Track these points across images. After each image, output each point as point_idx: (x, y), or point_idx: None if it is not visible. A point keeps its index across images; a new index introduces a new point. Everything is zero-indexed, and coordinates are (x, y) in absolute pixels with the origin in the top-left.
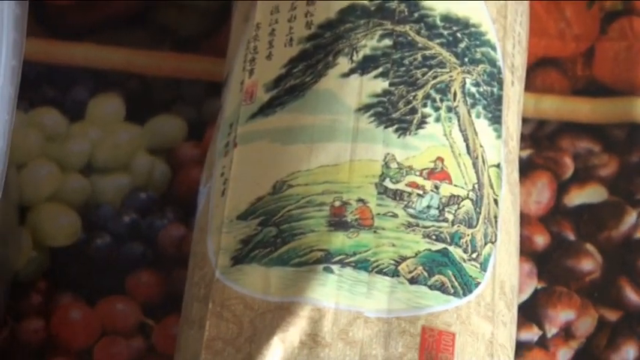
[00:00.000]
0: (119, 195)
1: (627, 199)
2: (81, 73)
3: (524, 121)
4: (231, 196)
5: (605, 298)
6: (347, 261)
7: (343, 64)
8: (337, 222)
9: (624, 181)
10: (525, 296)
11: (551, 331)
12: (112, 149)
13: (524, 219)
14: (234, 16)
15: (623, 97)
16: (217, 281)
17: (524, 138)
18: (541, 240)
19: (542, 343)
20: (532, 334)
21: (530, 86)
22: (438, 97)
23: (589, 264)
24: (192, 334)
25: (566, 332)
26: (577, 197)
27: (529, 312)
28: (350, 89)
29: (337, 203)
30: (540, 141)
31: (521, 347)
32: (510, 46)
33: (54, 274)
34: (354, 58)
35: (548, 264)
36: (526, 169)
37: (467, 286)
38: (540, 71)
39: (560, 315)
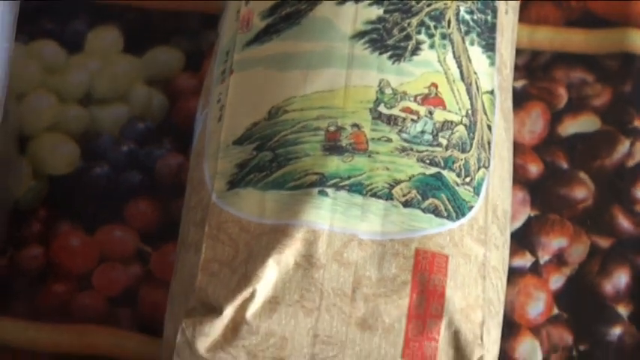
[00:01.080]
0: (117, 125)
1: (620, 129)
2: (80, 5)
3: (519, 52)
4: (227, 122)
5: (597, 225)
6: (341, 184)
7: None
8: (332, 146)
9: (617, 111)
10: (519, 224)
11: (544, 258)
12: (111, 80)
13: (519, 148)
14: None
15: (616, 27)
16: (214, 205)
17: (518, 68)
18: (535, 169)
19: (535, 269)
20: (525, 260)
21: (524, 18)
22: (432, 24)
23: (582, 192)
24: (188, 258)
25: (559, 259)
26: (570, 127)
27: (522, 239)
28: (345, 16)
29: (332, 128)
30: (534, 71)
31: (514, 273)
32: None
33: (53, 203)
34: None
35: (541, 192)
36: (520, 99)
37: (460, 209)
38: (535, 3)
39: (553, 242)
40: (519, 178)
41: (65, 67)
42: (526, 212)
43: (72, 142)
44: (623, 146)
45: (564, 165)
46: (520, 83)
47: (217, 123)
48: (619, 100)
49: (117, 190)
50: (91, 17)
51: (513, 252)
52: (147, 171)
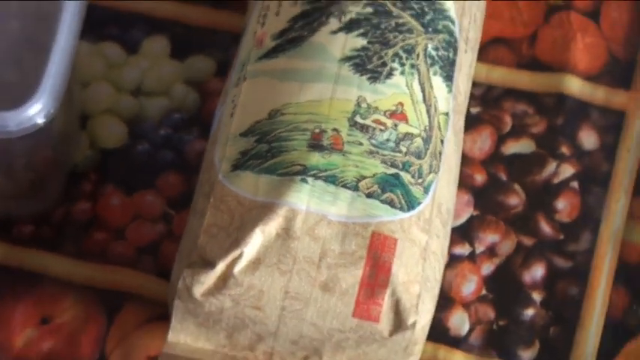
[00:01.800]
0: (159, 114)
1: (550, 152)
2: (139, 18)
3: (478, 85)
4: (237, 118)
5: (524, 227)
6: (319, 175)
7: (333, 23)
8: (315, 144)
9: (549, 138)
10: (462, 220)
11: (479, 249)
12: (157, 78)
13: (470, 161)
14: None
15: (555, 72)
16: (219, 182)
17: (475, 98)
18: (480, 178)
19: (472, 257)
20: (464, 249)
21: (484, 58)
22: (404, 55)
23: (515, 200)
24: (195, 222)
25: (491, 251)
26: (512, 147)
27: (464, 233)
28: (336, 43)
29: (317, 130)
30: (488, 102)
31: (454, 259)
32: (467, 22)
33: (103, 169)
34: (342, 19)
35: (483, 197)
36: (474, 122)
37: (411, 203)
38: (493, 47)
39: (488, 237)
40: (467, 184)
41: (123, 64)
42: (469, 211)
43: (122, 124)
44: (551, 166)
45: (504, 177)
46: (476, 110)
47: (230, 118)
48: (552, 130)
49: (153, 164)
50: (147, 27)
51: (455, 242)
52: (177, 151)
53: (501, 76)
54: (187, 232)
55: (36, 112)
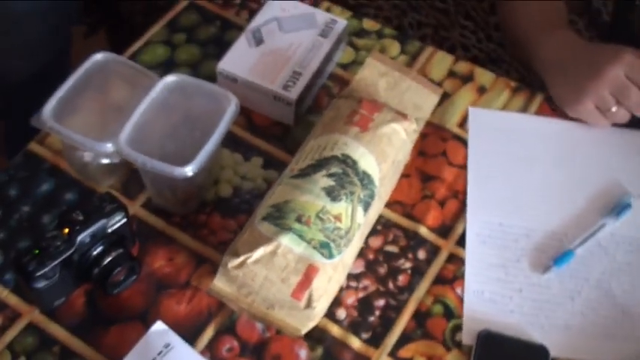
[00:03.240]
0: (247, 189)
1: (404, 255)
2: (254, 149)
3: (381, 217)
4: (271, 198)
5: (381, 282)
6: (295, 232)
7: (323, 172)
8: (298, 219)
9: (408, 249)
10: (356, 271)
11: (358, 286)
12: (253, 174)
13: (369, 249)
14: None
15: (416, 222)
16: (254, 223)
17: (381, 222)
18: (371, 256)
19: (355, 288)
20: (353, 284)
21: (387, 206)
22: (349, 194)
23: (381, 269)
24: (240, 234)
25: (358, 287)
26: (387, 247)
27: (356, 277)
28: (321, 181)
29: (301, 213)
30: (384, 225)
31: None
32: (382, 189)
33: (216, 205)
34: (328, 171)
35: (371, 264)
36: (376, 233)
37: (331, 256)
38: (393, 205)
39: (364, 282)
40: (364, 257)
41: (241, 164)
42: (361, 268)
43: (231, 189)
44: (402, 262)
45: (381, 259)
46: (378, 227)
47: (268, 198)
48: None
49: (235, 209)
50: (250, 151)
51: (349, 279)
52: (250, 207)
53: (394, 217)
54: (237, 236)
55: (189, 169)
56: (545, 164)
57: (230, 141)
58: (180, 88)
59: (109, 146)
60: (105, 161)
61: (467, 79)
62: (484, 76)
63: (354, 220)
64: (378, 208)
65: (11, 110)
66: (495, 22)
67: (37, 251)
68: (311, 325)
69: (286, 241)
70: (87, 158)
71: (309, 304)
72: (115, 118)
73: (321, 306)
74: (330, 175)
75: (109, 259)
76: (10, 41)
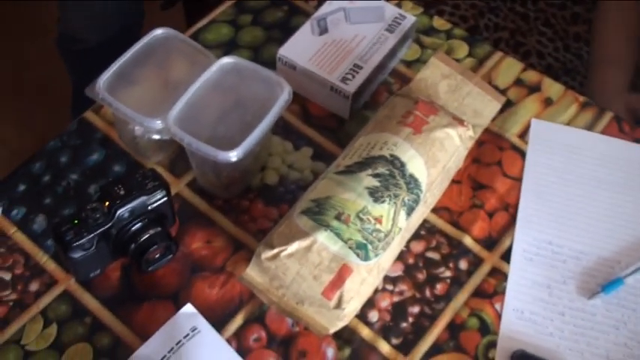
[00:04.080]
0: (294, 178)
1: (445, 263)
2: (304, 137)
3: (427, 222)
4: (313, 192)
5: (419, 289)
6: (333, 230)
7: (369, 171)
8: (337, 216)
9: (452, 256)
10: (394, 274)
11: (395, 290)
12: (301, 164)
13: (410, 252)
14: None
15: (461, 231)
16: (293, 216)
17: (425, 227)
18: (411, 260)
19: (391, 291)
20: (389, 287)
21: (434, 212)
22: (393, 197)
23: (420, 276)
24: (277, 226)
25: (393, 291)
26: (429, 253)
27: (392, 280)
28: (366, 180)
29: (341, 211)
30: (428, 230)
31: (382, 290)
32: (428, 194)
33: (261, 191)
34: (373, 171)
35: (410, 269)
36: (419, 237)
37: (367, 258)
38: (441, 210)
39: (400, 287)
40: (404, 260)
41: (290, 153)
42: (399, 272)
43: (277, 176)
44: (445, 270)
45: (421, 265)
46: (421, 232)
47: (310, 191)
48: (447, 255)
49: (280, 198)
50: (303, 142)
51: (386, 282)
52: (293, 197)
53: (440, 223)
54: (274, 227)
55: (233, 154)
56: (605, 186)
57: (282, 128)
58: (236, 71)
59: (158, 123)
60: (155, 137)
61: (534, 89)
62: (552, 87)
63: (396, 223)
64: (422, 213)
65: (81, 80)
66: (575, 32)
67: (76, 221)
68: (340, 325)
69: (322, 237)
70: (137, 132)
71: (339, 305)
72: (170, 95)
73: (352, 307)
74: (376, 175)
75: (147, 236)
76: (83, 11)
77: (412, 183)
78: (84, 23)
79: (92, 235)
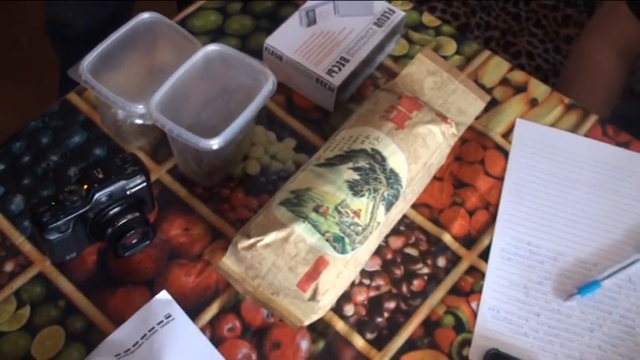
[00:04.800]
0: (274, 170)
1: (423, 260)
2: (288, 128)
3: (406, 217)
4: (293, 183)
5: (396, 285)
6: (310, 222)
7: (349, 164)
8: (316, 209)
9: (427, 254)
10: (372, 269)
11: (371, 284)
12: (283, 155)
13: (388, 247)
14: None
15: (440, 228)
16: (272, 206)
17: (401, 222)
18: (389, 256)
19: (367, 285)
20: (365, 280)
21: (415, 207)
22: (372, 191)
23: (397, 271)
24: (255, 216)
25: (370, 286)
26: (407, 249)
27: (369, 275)
28: (346, 173)
29: (320, 203)
30: (408, 226)
31: (357, 285)
32: (409, 190)
33: (242, 180)
34: (354, 164)
35: (387, 264)
36: (398, 233)
37: (343, 251)
38: (421, 206)
39: (377, 281)
40: (381, 255)
41: (273, 143)
42: (377, 267)
43: (259, 166)
44: (419, 265)
45: (398, 260)
46: (400, 227)
47: (290, 182)
48: (428, 251)
49: (260, 188)
50: (287, 133)
51: (363, 276)
52: (274, 187)
53: (419, 220)
54: (253, 217)
55: (215, 142)
56: (586, 189)
57: (266, 118)
58: (222, 59)
59: (141, 107)
60: (137, 122)
61: (520, 89)
62: (538, 88)
63: (374, 217)
64: (401, 208)
65: (69, 63)
66: (566, 34)
67: (53, 203)
68: (314, 317)
69: (300, 229)
70: (119, 116)
71: (313, 297)
72: (154, 80)
73: (327, 300)
74: (356, 169)
75: (124, 221)
76: None
77: (392, 178)
78: (71, 9)
79: (69, 217)
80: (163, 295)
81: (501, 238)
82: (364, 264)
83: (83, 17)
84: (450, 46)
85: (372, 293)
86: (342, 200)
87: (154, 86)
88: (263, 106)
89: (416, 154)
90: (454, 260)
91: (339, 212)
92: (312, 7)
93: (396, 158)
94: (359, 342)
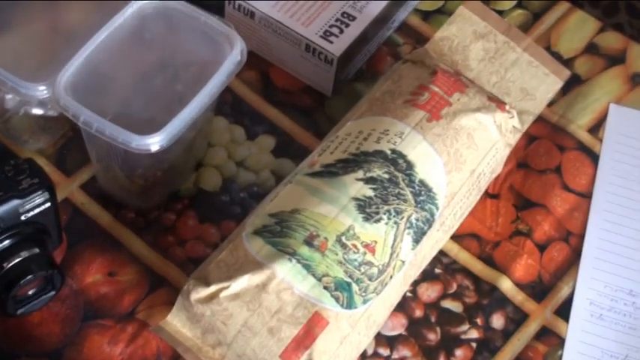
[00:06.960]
0: (245, 183)
1: (469, 318)
2: (266, 121)
3: (446, 256)
4: (272, 203)
5: (430, 355)
6: (301, 261)
7: (359, 174)
8: (308, 241)
9: (474, 309)
10: (394, 333)
11: (394, 356)
12: (256, 162)
13: (417, 299)
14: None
15: (498, 271)
16: (241, 237)
17: (441, 263)
18: (418, 313)
19: (388, 358)
20: (385, 351)
21: (458, 241)
22: (394, 214)
23: (432, 336)
24: (216, 252)
25: None
26: (447, 304)
27: (390, 341)
28: (355, 187)
29: (314, 233)
30: (448, 269)
31: (377, 355)
32: (448, 213)
33: (193, 200)
34: (366, 174)
35: (414, 325)
36: (433, 277)
37: (350, 305)
38: (468, 238)
39: (403, 351)
40: (407, 312)
41: (241, 144)
42: (401, 330)
43: (220, 179)
44: (465, 326)
45: (433, 319)
46: (438, 271)
47: (269, 202)
48: (478, 305)
49: (225, 211)
50: (267, 128)
51: (381, 345)
52: (244, 211)
53: (464, 258)
54: (212, 254)
55: (154, 141)
56: None
57: (230, 106)
58: (163, 19)
59: (42, 89)
60: (36, 112)
61: (615, 59)
62: None
63: (396, 254)
64: (437, 240)
65: None
66: None
67: None
68: None
69: (285, 271)
70: (8, 104)
71: None
72: (61, 48)
73: None
74: (369, 181)
75: (17, 260)
76: None
77: (423, 194)
78: None
79: None
80: None
81: (589, 286)
82: (381, 324)
83: None
84: None
85: None
86: (347, 227)
87: (61, 58)
88: (226, 88)
89: (458, 159)
90: (518, 319)
91: (344, 246)
92: None
93: (428, 164)
94: None
